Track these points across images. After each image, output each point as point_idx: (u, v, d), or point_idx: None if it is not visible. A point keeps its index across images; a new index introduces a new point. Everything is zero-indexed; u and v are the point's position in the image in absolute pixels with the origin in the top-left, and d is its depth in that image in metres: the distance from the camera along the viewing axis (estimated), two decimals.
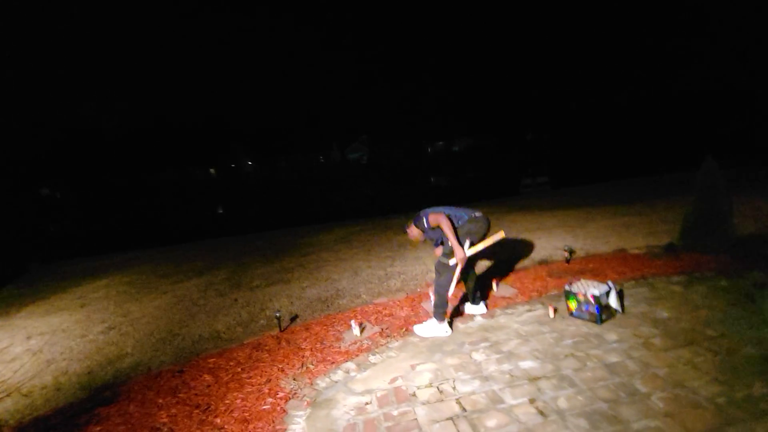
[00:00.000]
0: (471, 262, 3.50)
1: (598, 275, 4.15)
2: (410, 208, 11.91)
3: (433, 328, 3.28)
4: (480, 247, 3.29)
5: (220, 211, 25.28)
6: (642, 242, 5.22)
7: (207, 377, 3.07)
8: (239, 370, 3.12)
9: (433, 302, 3.32)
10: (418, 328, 3.34)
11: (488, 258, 5.15)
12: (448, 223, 3.18)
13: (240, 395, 2.76)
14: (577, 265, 4.59)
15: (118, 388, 3.13)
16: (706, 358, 2.50)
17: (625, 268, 4.31)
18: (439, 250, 3.44)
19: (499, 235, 3.33)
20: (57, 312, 5.49)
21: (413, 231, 3.49)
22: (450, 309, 3.50)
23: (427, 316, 3.64)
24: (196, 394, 2.85)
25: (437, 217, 3.22)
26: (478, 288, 3.63)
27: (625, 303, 3.35)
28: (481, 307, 3.61)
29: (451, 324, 3.36)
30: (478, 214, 3.31)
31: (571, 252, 4.85)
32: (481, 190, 16.93)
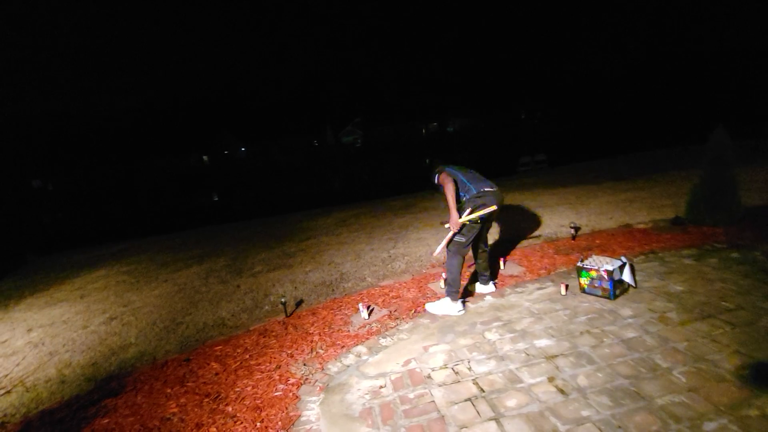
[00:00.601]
0: (481, 240, 3.44)
1: (605, 251, 4.11)
2: (406, 190, 11.83)
3: (445, 307, 3.24)
4: (474, 216, 3.18)
5: (216, 199, 25.04)
6: (647, 217, 5.18)
7: (215, 365, 3.01)
8: (247, 357, 3.06)
9: (445, 281, 3.26)
10: (430, 306, 3.31)
11: (493, 236, 5.09)
12: (451, 189, 3.12)
13: (250, 382, 2.70)
14: (584, 242, 4.54)
15: (123, 378, 3.06)
16: (724, 330, 2.46)
17: (632, 242, 4.26)
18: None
19: (491, 207, 3.22)
20: (56, 304, 5.40)
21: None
22: (461, 288, 3.45)
23: (435, 296, 3.59)
24: (204, 383, 2.79)
25: (444, 179, 3.19)
26: (488, 267, 3.57)
27: (637, 278, 3.30)
28: (490, 287, 3.56)
29: (463, 304, 3.31)
30: (488, 188, 3.21)
31: (577, 229, 4.79)
32: (478, 170, 16.76)
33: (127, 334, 3.96)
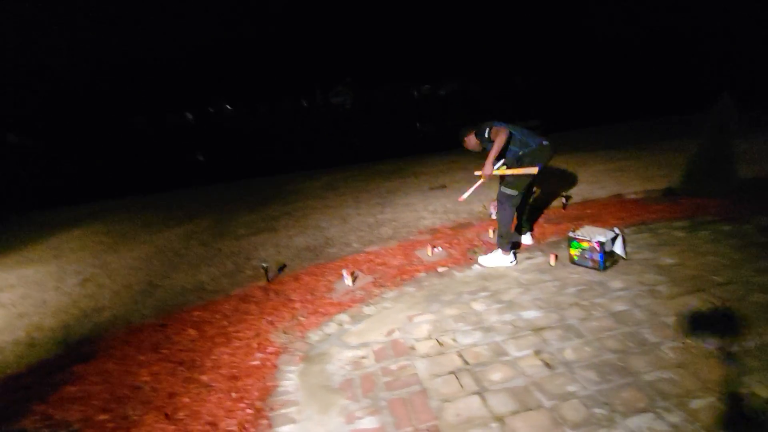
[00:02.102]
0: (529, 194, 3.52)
1: (596, 221, 4.02)
2: (396, 154, 11.55)
3: (498, 259, 3.25)
4: (509, 171, 3.19)
5: (200, 158, 24.34)
6: (639, 187, 5.09)
7: (191, 331, 2.90)
8: (225, 323, 2.96)
9: (497, 233, 3.29)
10: (483, 259, 3.33)
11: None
12: (502, 140, 3.03)
13: (227, 350, 2.61)
14: (575, 211, 4.45)
15: (95, 344, 2.94)
16: (714, 305, 2.41)
17: (623, 213, 4.18)
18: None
19: (533, 170, 3.12)
20: (29, 263, 5.19)
21: (471, 140, 3.36)
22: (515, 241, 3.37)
23: (422, 264, 3.50)
24: (180, 350, 2.69)
25: (498, 131, 3.06)
26: (529, 219, 3.73)
27: (628, 249, 3.23)
28: (528, 238, 3.70)
29: (515, 255, 3.30)
30: (545, 142, 3.17)
31: (568, 198, 4.70)
32: None
33: (102, 297, 3.82)
